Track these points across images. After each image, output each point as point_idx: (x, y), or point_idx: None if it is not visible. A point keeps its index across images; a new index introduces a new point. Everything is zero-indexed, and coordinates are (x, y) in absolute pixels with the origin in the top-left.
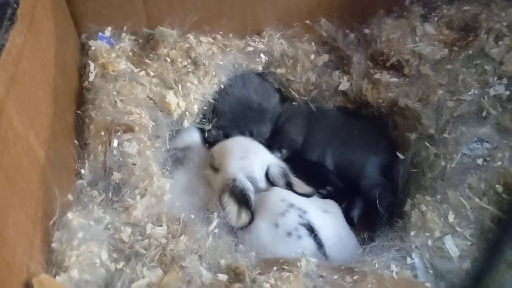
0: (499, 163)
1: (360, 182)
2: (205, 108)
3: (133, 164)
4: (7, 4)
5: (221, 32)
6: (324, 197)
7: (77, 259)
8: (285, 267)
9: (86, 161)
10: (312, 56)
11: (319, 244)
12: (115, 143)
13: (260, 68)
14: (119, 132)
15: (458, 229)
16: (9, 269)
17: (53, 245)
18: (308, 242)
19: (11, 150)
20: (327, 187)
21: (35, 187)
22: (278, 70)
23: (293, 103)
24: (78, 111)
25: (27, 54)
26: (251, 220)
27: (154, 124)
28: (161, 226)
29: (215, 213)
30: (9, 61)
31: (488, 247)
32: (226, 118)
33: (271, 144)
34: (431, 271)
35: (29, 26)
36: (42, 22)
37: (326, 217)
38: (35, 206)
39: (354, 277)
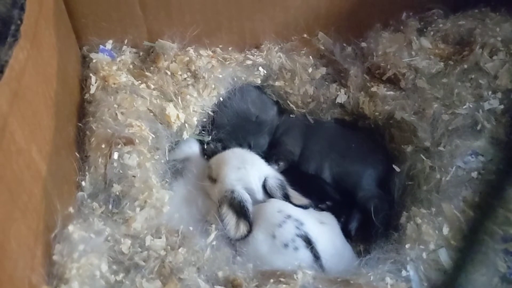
0: (493, 176)
1: (357, 194)
2: (204, 120)
3: (133, 176)
4: (11, 21)
5: (220, 46)
6: (323, 211)
7: (78, 271)
8: (281, 279)
9: (87, 173)
10: (310, 69)
11: (316, 256)
12: (115, 155)
13: (258, 81)
14: (120, 145)
15: (452, 242)
16: (11, 281)
17: (54, 257)
18: (304, 254)
19: (13, 165)
20: (327, 202)
21: (37, 200)
22: (277, 83)
23: (291, 115)
24: (79, 124)
25: (29, 69)
26: (250, 231)
27: (154, 136)
28: (160, 238)
29: (213, 225)
30: (12, 77)
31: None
32: (224, 130)
33: (268, 156)
34: (425, 284)
35: (32, 42)
36: (44, 36)
37: (323, 228)
38: (37, 219)
39: None
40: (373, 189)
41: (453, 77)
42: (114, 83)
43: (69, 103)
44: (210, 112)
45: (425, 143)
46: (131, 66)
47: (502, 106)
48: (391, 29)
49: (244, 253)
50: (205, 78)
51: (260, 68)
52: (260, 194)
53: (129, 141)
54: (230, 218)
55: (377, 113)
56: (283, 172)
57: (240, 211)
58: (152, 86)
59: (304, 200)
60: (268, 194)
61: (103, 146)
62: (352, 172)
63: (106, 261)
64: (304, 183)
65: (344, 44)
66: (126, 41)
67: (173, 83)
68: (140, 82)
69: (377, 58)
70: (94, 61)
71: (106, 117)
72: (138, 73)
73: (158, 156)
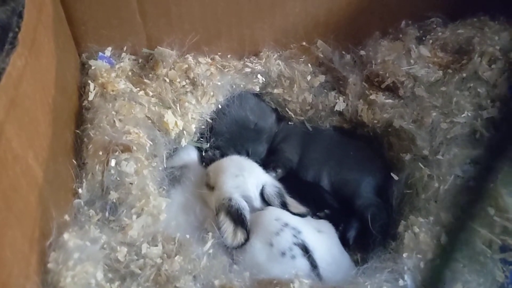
0: (491, 185)
1: (355, 202)
2: (203, 127)
3: (130, 183)
4: (9, 28)
5: (219, 53)
6: (320, 219)
7: (73, 280)
8: None
9: (84, 180)
10: (309, 77)
11: (313, 265)
12: (112, 162)
13: (257, 89)
14: (117, 152)
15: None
16: None
17: (49, 265)
18: (302, 262)
19: (9, 171)
20: (325, 210)
21: (33, 207)
22: (275, 91)
23: (290, 123)
24: (77, 131)
25: (27, 76)
26: (247, 239)
27: (151, 143)
28: (156, 246)
29: (210, 233)
30: (10, 84)
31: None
32: (223, 138)
33: (266, 164)
34: None
35: (30, 49)
36: (43, 43)
37: (320, 237)
38: (32, 226)
39: None
40: (371, 197)
41: (451, 85)
42: (113, 90)
43: (67, 109)
44: (209, 119)
45: (424, 151)
46: (130, 73)
47: (500, 115)
48: (390, 37)
49: (240, 262)
50: (204, 85)
51: (259, 76)
52: (257, 202)
53: (127, 148)
54: (227, 226)
55: (375, 121)
56: (281, 180)
57: (238, 219)
58: (151, 93)
59: (302, 208)
60: (265, 202)
61: (100, 153)
62: (351, 180)
63: (102, 269)
64: (302, 191)
65: (343, 52)
66: (125, 48)
67: (172, 90)
68: (138, 89)
69: (376, 66)
70: (93, 68)
71: (104, 124)
72: (137, 80)
73: (155, 163)
